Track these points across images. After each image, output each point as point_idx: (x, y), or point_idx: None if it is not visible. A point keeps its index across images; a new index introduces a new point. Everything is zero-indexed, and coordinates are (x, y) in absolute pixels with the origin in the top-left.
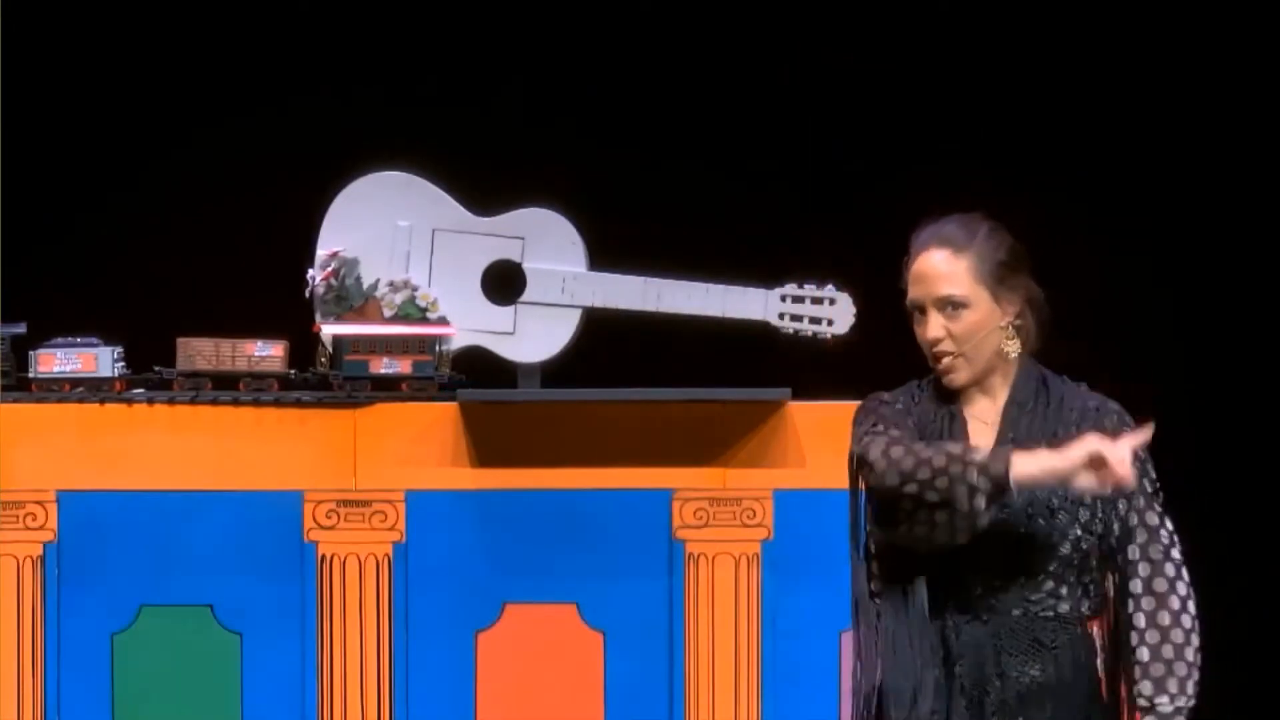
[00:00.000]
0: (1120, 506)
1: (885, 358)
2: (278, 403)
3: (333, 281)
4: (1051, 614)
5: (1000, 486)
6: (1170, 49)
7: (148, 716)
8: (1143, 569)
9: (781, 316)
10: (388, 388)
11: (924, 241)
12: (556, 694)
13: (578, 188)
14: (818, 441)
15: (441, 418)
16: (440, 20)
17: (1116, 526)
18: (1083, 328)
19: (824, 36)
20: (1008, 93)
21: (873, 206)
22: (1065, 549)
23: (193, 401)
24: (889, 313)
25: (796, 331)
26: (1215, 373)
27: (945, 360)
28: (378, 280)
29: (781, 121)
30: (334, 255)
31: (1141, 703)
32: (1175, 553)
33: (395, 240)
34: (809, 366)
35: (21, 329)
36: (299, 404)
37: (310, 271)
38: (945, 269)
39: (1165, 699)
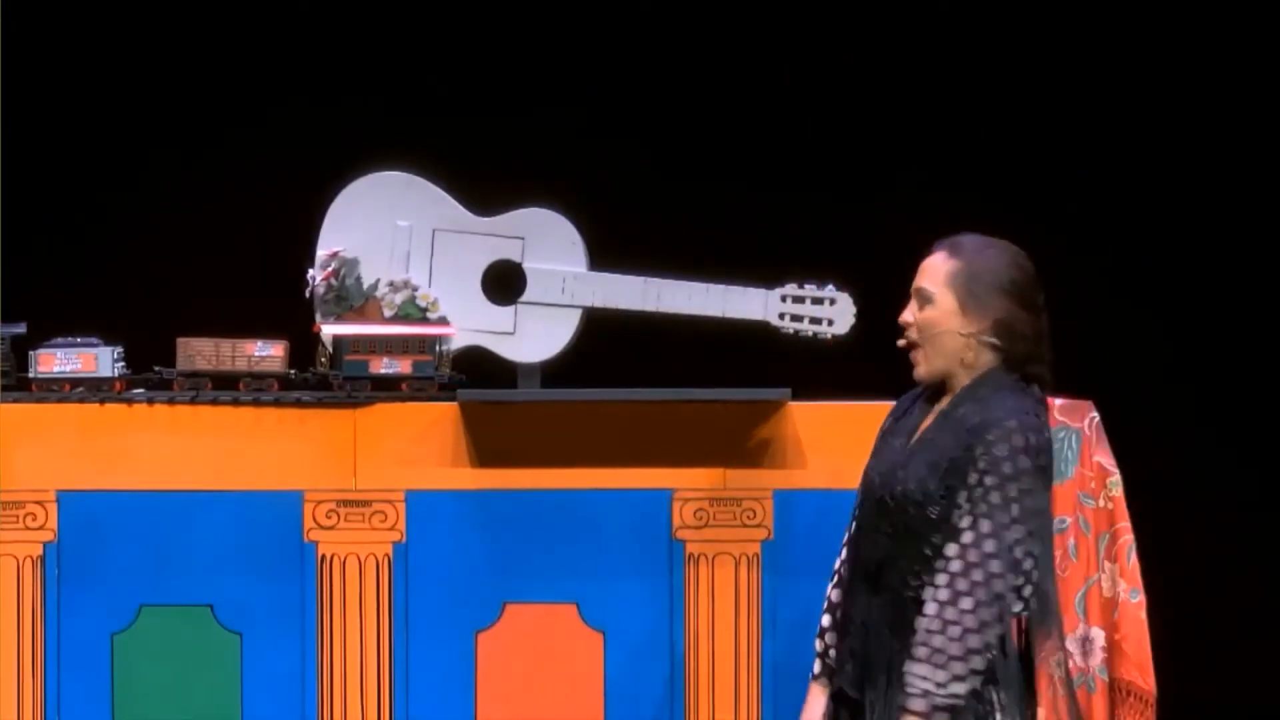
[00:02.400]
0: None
1: (885, 358)
2: (278, 403)
3: (333, 281)
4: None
5: None
6: (1170, 50)
7: (148, 716)
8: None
9: (781, 316)
10: (388, 388)
11: (939, 243)
12: (556, 694)
13: (578, 188)
14: (818, 441)
15: (441, 418)
16: (440, 21)
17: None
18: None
19: (824, 36)
20: (1007, 93)
21: (873, 206)
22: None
23: (193, 401)
24: (889, 313)
25: (796, 331)
26: (1213, 373)
27: (909, 343)
28: (378, 280)
29: (782, 121)
30: (334, 255)
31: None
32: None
33: (395, 240)
34: (809, 366)
35: (21, 329)
36: (299, 404)
37: (310, 271)
38: (930, 265)
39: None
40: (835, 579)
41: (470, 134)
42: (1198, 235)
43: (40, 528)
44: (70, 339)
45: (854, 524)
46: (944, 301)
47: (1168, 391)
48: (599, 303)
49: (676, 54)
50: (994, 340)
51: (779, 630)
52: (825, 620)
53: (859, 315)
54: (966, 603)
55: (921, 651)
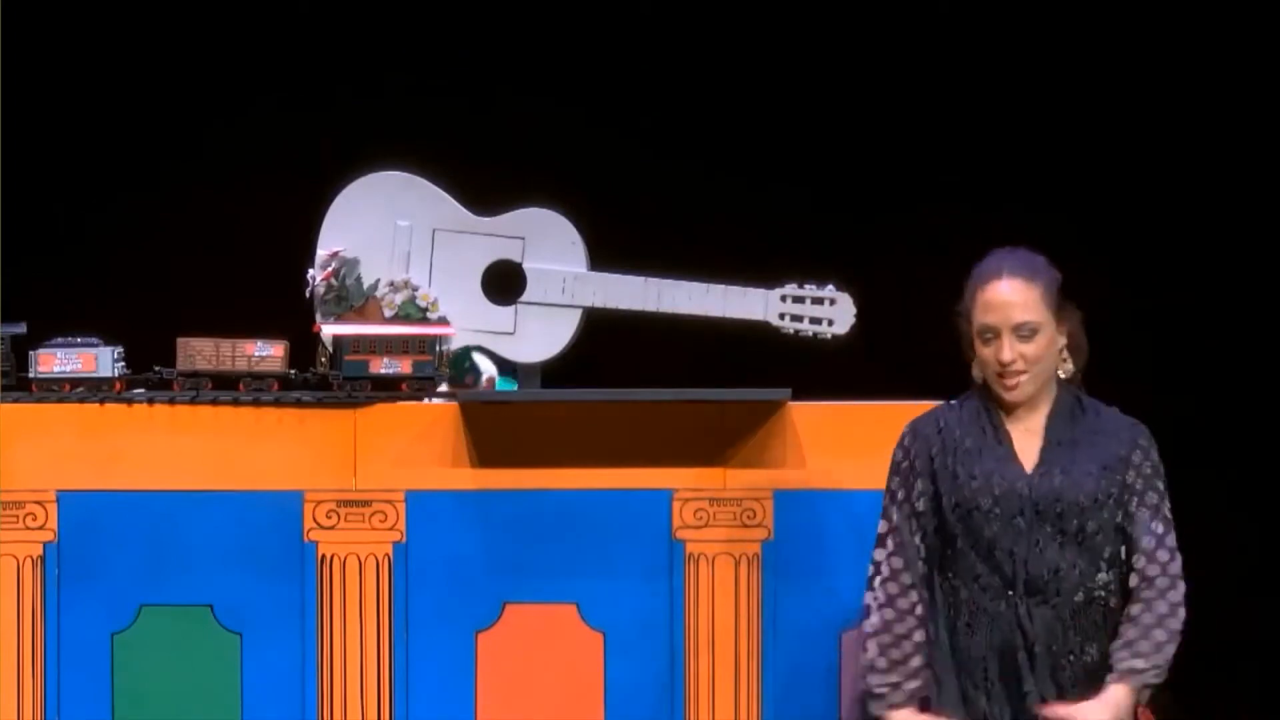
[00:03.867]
0: (1131, 505)
1: (885, 358)
2: (278, 403)
3: (333, 281)
4: (1107, 599)
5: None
6: (1169, 52)
7: (148, 716)
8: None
9: (781, 316)
10: (388, 388)
11: (994, 271)
12: (556, 694)
13: (578, 188)
14: (818, 441)
15: (441, 418)
16: (441, 20)
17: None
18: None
19: (824, 36)
20: (1007, 93)
21: (873, 206)
22: (1101, 537)
23: (193, 401)
24: (889, 313)
25: (797, 331)
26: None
27: (1016, 379)
28: (378, 280)
29: (782, 121)
30: (334, 255)
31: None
32: (1169, 542)
33: (395, 240)
34: (809, 366)
35: (21, 329)
36: (299, 404)
37: (310, 271)
38: (1020, 298)
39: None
40: (911, 620)
41: (470, 134)
42: (1195, 235)
43: (40, 528)
44: (70, 339)
45: (958, 546)
46: (1047, 327)
47: (1167, 391)
48: (599, 303)
49: (677, 54)
50: (1066, 352)
51: (779, 630)
52: (915, 661)
53: (859, 315)
54: (1176, 593)
55: (1160, 634)
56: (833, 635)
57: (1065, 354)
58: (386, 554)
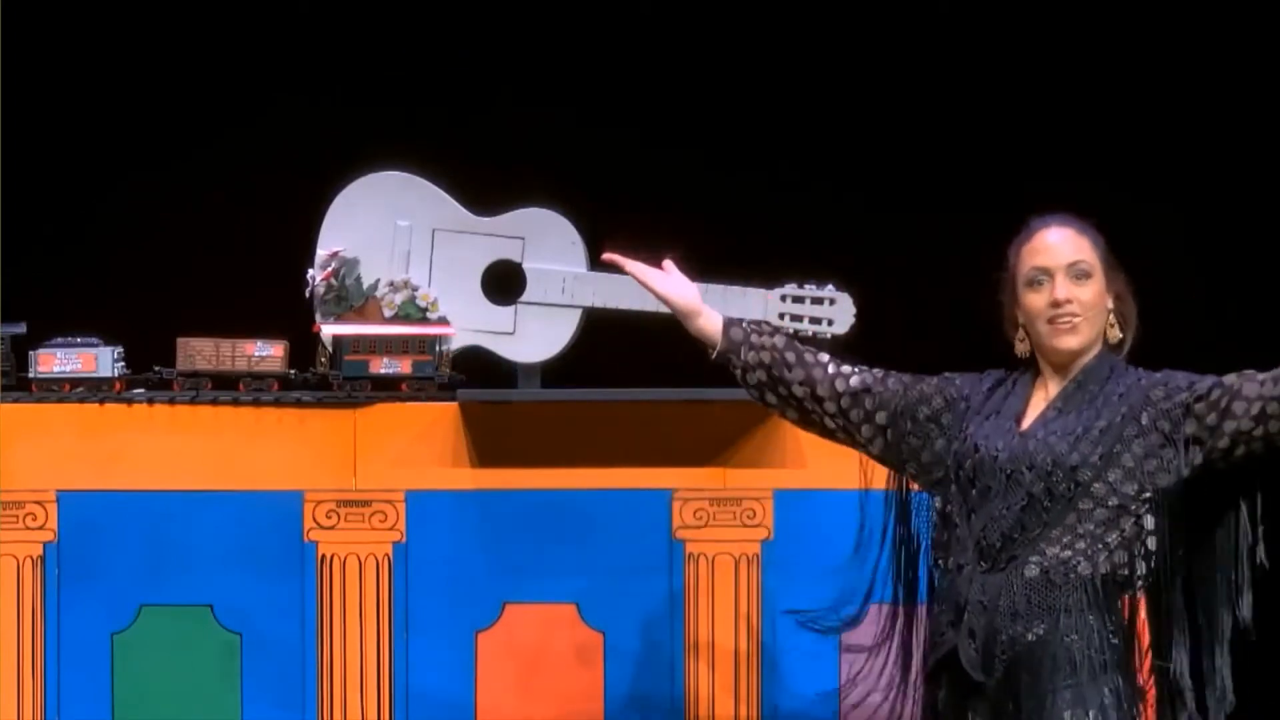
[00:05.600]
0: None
1: (885, 358)
2: (278, 403)
3: (333, 281)
4: (1067, 574)
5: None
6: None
7: (148, 716)
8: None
9: (781, 316)
10: (388, 388)
11: (1042, 223)
12: (556, 694)
13: (578, 188)
14: (818, 441)
15: (441, 418)
16: (441, 20)
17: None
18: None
19: (824, 35)
20: (1007, 93)
21: (873, 206)
22: (1086, 505)
23: (193, 401)
24: (889, 313)
25: (796, 331)
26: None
27: (1071, 320)
28: (378, 280)
29: (782, 121)
30: (334, 255)
31: None
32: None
33: (395, 240)
34: None
35: (21, 329)
36: (299, 404)
37: (310, 271)
38: (1074, 242)
39: None
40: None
41: (470, 134)
42: (1196, 235)
43: (40, 528)
44: (70, 339)
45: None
46: (1099, 276)
47: None
48: (599, 303)
49: (677, 54)
50: (1117, 315)
51: (777, 630)
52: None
53: (859, 315)
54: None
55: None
56: (832, 635)
57: (1113, 318)
58: (386, 554)
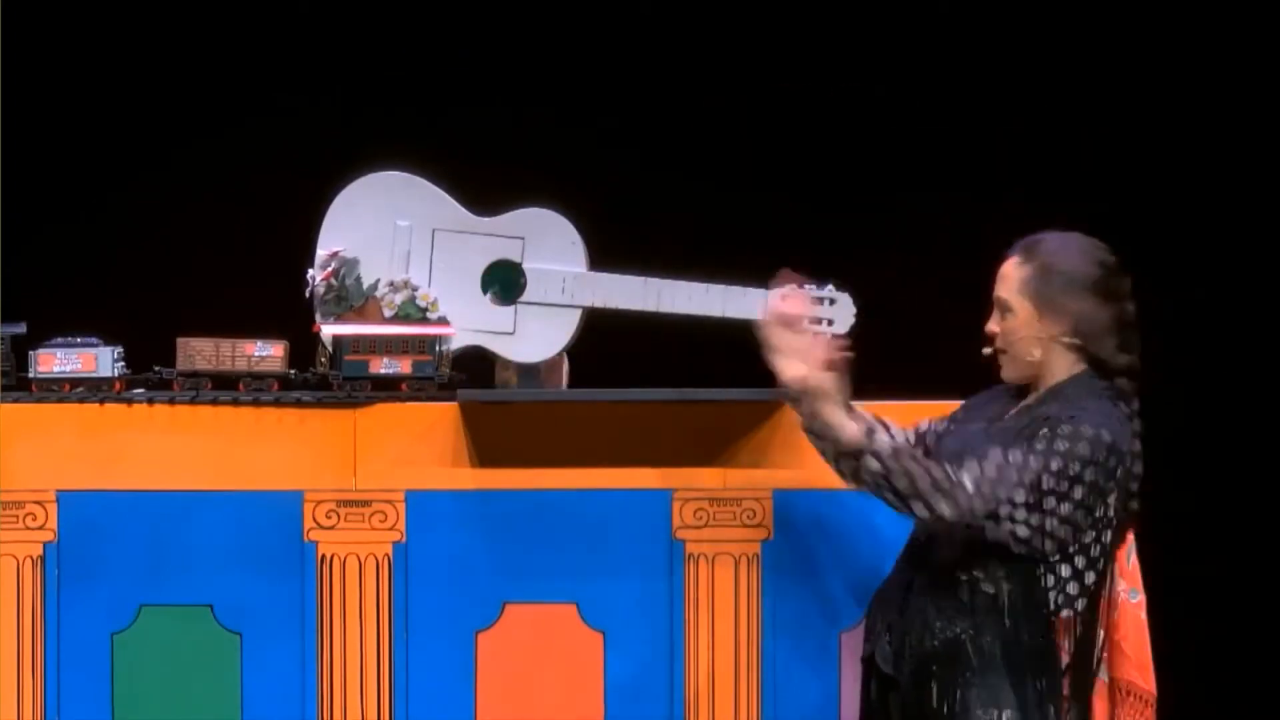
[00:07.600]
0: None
1: (885, 357)
2: (278, 403)
3: (333, 281)
4: (969, 586)
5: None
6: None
7: (148, 716)
8: None
9: None
10: (388, 388)
11: (1014, 246)
12: (556, 694)
13: (578, 188)
14: None
15: (441, 418)
16: (441, 20)
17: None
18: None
19: (824, 35)
20: (1008, 92)
21: (873, 206)
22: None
23: (193, 401)
24: (889, 313)
25: None
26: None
27: (995, 354)
28: (378, 280)
29: (782, 121)
30: (334, 255)
31: None
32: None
33: (395, 240)
34: None
35: (21, 329)
36: (299, 404)
37: (310, 271)
38: (1005, 273)
39: None
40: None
41: (470, 134)
42: (1195, 234)
43: (40, 528)
44: (70, 339)
45: None
46: (1021, 309)
47: (1167, 389)
48: (599, 303)
49: (676, 54)
50: (1074, 341)
51: (779, 630)
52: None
53: (859, 315)
54: (940, 472)
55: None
56: (833, 635)
57: (1060, 348)
58: (386, 554)
